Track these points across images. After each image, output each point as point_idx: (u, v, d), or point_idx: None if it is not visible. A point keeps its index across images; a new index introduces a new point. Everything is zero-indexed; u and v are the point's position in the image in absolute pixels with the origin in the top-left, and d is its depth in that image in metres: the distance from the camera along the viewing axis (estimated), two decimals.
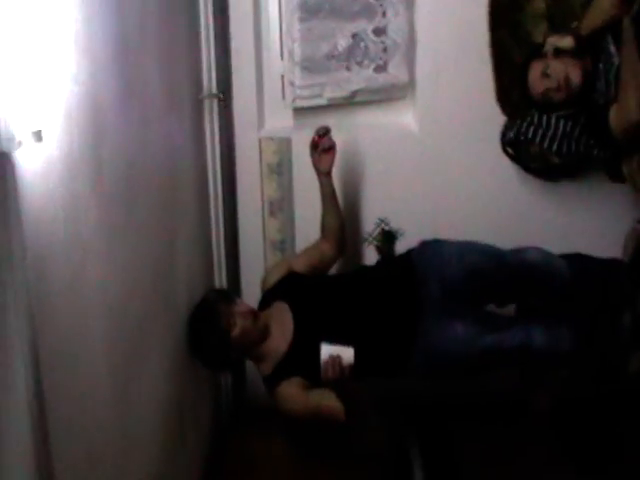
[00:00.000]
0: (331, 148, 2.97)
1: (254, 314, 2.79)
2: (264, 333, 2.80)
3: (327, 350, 2.50)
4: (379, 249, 3.25)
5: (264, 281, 3.06)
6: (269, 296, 2.97)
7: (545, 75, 2.91)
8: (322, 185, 3.02)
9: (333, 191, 3.04)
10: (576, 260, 2.87)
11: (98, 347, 1.87)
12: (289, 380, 2.72)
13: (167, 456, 2.44)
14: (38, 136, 1.43)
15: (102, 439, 1.88)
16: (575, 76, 2.88)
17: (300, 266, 3.02)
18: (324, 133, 2.95)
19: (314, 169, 3.00)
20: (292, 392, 2.70)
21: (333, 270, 3.14)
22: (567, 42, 2.91)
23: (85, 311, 1.78)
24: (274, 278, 3.00)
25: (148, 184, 2.33)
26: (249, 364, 3.06)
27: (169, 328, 2.56)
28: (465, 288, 2.81)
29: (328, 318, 2.81)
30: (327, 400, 2.61)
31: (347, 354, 2.50)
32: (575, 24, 3.01)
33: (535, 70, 2.95)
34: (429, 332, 2.79)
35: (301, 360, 2.73)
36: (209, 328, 2.73)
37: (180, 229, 2.77)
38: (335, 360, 2.48)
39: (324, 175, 3.00)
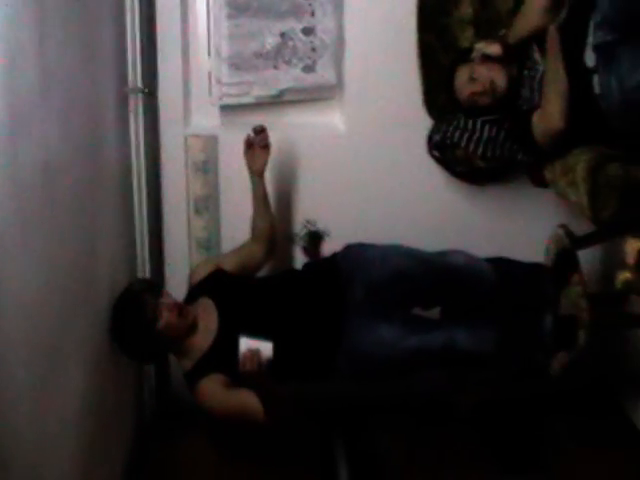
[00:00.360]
0: (266, 146, 2.93)
1: (180, 308, 2.75)
2: (190, 328, 2.76)
3: (246, 343, 2.48)
4: (305, 250, 3.23)
5: (191, 276, 3.03)
6: (195, 291, 2.93)
7: (471, 79, 2.93)
8: (254, 186, 2.97)
9: (265, 192, 3.00)
10: (499, 264, 2.89)
11: (13, 344, 1.80)
12: (210, 377, 2.69)
13: (86, 456, 2.38)
14: None
15: (16, 439, 1.81)
16: (500, 81, 2.91)
17: (229, 265, 2.98)
18: (260, 131, 2.91)
19: (247, 168, 2.95)
20: (212, 389, 2.67)
21: (263, 271, 3.10)
22: (494, 49, 2.94)
23: None
24: (201, 274, 2.96)
25: (68, 177, 2.26)
26: (174, 362, 3.01)
27: (90, 325, 2.49)
28: (390, 290, 2.81)
29: (253, 317, 2.77)
30: (247, 399, 2.58)
31: (266, 348, 2.49)
32: (503, 32, 3.03)
33: (461, 74, 2.97)
34: (353, 335, 2.78)
35: (223, 357, 2.68)
36: (133, 318, 2.69)
37: (102, 225, 2.70)
38: (253, 353, 2.46)
39: (257, 175, 2.96)
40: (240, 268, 2.98)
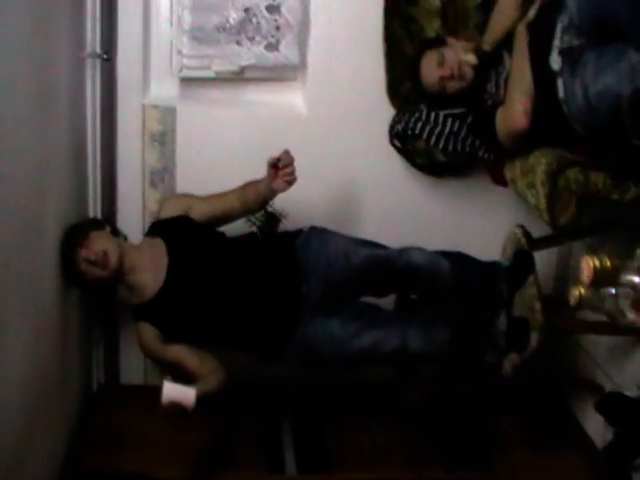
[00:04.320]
0: (289, 182, 2.66)
1: (101, 261, 2.61)
2: (124, 269, 2.67)
3: (168, 394, 2.39)
4: (261, 230, 3.06)
5: (162, 207, 2.89)
6: (157, 228, 2.81)
7: (440, 64, 2.80)
8: (265, 195, 2.74)
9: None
10: (457, 261, 2.78)
11: None
12: (147, 324, 2.67)
13: (29, 423, 2.26)
14: None
15: None
16: (468, 68, 2.80)
17: (199, 212, 2.81)
18: (287, 164, 2.63)
19: (265, 185, 2.69)
20: (146, 336, 2.68)
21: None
22: (471, 59, 2.80)
23: None
24: (169, 213, 2.82)
25: (16, 138, 2.09)
26: (123, 334, 2.98)
27: (33, 296, 2.32)
28: (347, 289, 2.73)
29: (201, 283, 2.66)
30: (180, 359, 2.64)
31: (188, 397, 2.41)
32: (477, 42, 2.88)
33: (429, 59, 2.84)
34: (304, 328, 2.68)
35: (160, 315, 2.67)
36: (68, 273, 2.63)
37: (52, 193, 2.52)
38: (176, 406, 2.39)
39: (270, 196, 2.75)
40: (210, 218, 2.82)
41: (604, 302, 2.11)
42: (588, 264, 2.06)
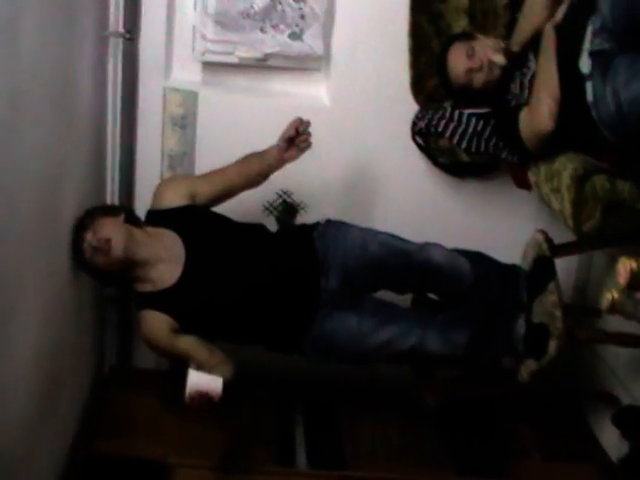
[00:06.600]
0: (303, 150, 2.61)
1: (107, 247, 2.46)
2: (136, 261, 2.52)
3: (193, 383, 2.26)
4: (279, 220, 2.99)
5: (161, 194, 2.68)
6: (161, 218, 2.65)
7: (469, 55, 2.73)
8: (274, 162, 2.66)
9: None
10: (477, 261, 2.72)
11: None
12: (159, 314, 2.52)
13: (39, 403, 2.20)
14: None
15: None
16: (497, 67, 2.72)
17: (205, 196, 2.68)
18: (304, 131, 2.57)
19: (272, 156, 2.63)
20: (157, 325, 2.52)
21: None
22: (499, 59, 2.73)
23: None
24: (173, 201, 2.65)
25: (36, 117, 2.03)
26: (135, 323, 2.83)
27: (47, 277, 2.26)
28: (364, 279, 2.66)
29: (220, 277, 2.57)
30: (191, 352, 2.49)
31: (215, 386, 2.27)
32: (505, 43, 2.81)
33: (458, 50, 2.77)
34: (322, 322, 2.61)
35: (180, 303, 2.54)
36: (77, 259, 2.51)
37: (70, 175, 2.46)
38: (202, 395, 2.27)
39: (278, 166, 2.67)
40: (216, 198, 2.71)
41: (637, 307, 2.03)
42: (625, 266, 1.99)
